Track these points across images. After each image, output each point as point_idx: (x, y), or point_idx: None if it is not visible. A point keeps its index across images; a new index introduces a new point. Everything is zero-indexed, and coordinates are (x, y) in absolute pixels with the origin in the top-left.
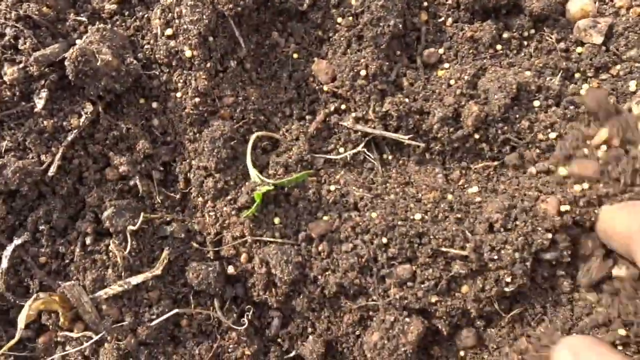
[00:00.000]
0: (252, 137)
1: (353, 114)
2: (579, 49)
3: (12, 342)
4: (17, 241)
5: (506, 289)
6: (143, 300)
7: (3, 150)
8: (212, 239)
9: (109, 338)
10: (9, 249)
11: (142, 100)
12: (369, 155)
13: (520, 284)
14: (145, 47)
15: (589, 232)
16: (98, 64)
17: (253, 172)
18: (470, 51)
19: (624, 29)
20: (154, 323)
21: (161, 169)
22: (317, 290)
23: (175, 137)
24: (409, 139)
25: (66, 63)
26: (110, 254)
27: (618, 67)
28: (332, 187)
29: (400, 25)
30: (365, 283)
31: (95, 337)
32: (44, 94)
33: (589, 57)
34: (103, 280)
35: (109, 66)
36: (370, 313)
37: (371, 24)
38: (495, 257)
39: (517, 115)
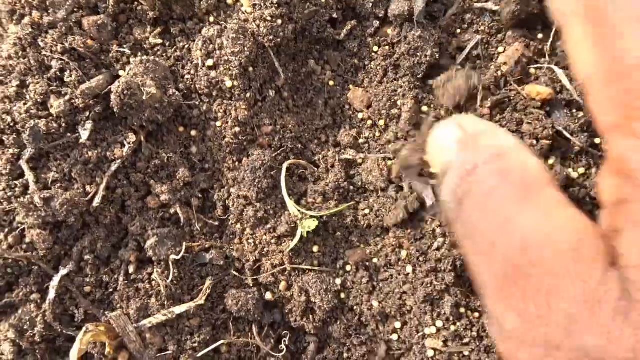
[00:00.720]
0: (284, 167)
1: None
2: None
3: None
4: (63, 271)
5: None
6: (185, 328)
7: (50, 182)
8: (251, 266)
9: None
10: (56, 279)
11: (181, 129)
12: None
13: None
14: (186, 77)
15: None
16: (143, 97)
17: (290, 205)
18: None
19: None
20: (199, 355)
21: (200, 196)
22: (355, 318)
23: (214, 165)
24: None
25: (112, 97)
26: (154, 282)
27: None
28: (367, 211)
29: (437, 55)
30: (405, 309)
31: None
32: (88, 125)
33: None
34: (147, 309)
35: (153, 99)
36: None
37: (408, 54)
38: None
39: None
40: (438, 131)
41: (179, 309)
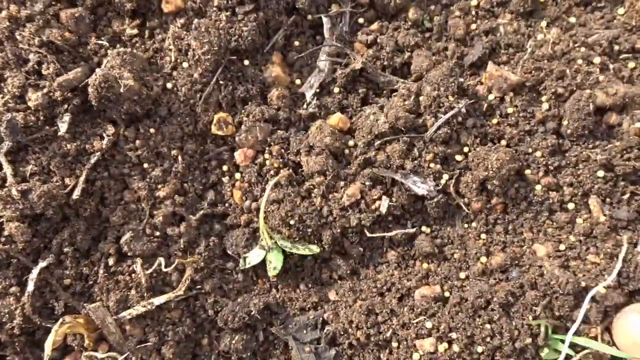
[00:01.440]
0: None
1: None
2: None
3: None
4: (42, 264)
5: None
6: (165, 319)
7: (28, 175)
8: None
9: (133, 358)
10: (35, 272)
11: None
12: None
13: None
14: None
15: None
16: (120, 89)
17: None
18: None
19: None
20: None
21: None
22: None
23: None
24: None
25: (89, 89)
26: (133, 275)
27: None
28: None
29: None
30: None
31: (120, 358)
32: (67, 118)
33: None
34: (126, 300)
35: (130, 91)
36: None
37: None
38: None
39: None
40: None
41: (158, 300)
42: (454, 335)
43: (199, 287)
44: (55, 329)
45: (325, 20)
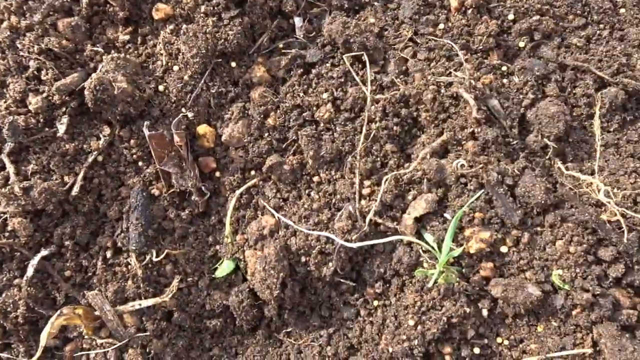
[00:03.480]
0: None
1: None
2: None
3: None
4: (43, 252)
5: None
6: (160, 308)
7: (30, 173)
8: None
9: (133, 345)
10: (36, 258)
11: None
12: None
13: None
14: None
15: None
16: (115, 92)
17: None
18: None
19: None
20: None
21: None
22: None
23: None
24: None
25: (85, 92)
26: (129, 266)
27: None
28: None
29: None
30: None
31: (119, 343)
32: (65, 120)
33: None
34: (123, 291)
35: (124, 93)
36: None
37: None
38: None
39: None
40: None
41: (146, 303)
42: None
43: (189, 279)
44: (52, 321)
45: (297, 19)
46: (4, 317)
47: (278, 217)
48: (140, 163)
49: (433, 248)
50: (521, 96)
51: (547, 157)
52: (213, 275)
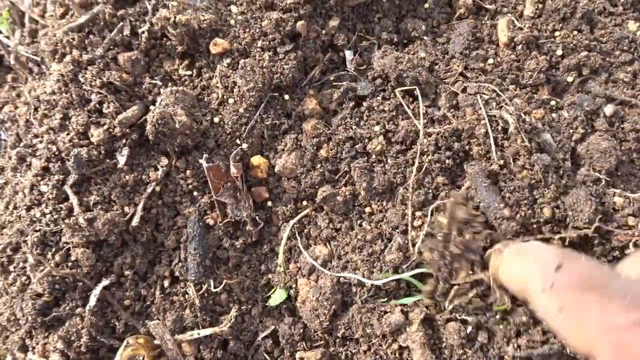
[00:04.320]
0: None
1: None
2: None
3: None
4: (104, 282)
5: None
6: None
7: (92, 204)
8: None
9: None
10: (98, 288)
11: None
12: None
13: None
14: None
15: None
16: (176, 125)
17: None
18: None
19: None
20: None
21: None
22: None
23: None
24: None
25: (148, 126)
26: (187, 295)
27: None
28: None
29: None
30: None
31: None
32: (125, 151)
33: None
34: (182, 320)
35: (184, 126)
36: None
37: None
38: None
39: None
40: None
41: (204, 332)
42: None
43: (243, 307)
44: (120, 352)
45: (347, 52)
46: (67, 346)
47: (331, 248)
48: (195, 193)
49: None
50: (571, 130)
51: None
52: (266, 304)
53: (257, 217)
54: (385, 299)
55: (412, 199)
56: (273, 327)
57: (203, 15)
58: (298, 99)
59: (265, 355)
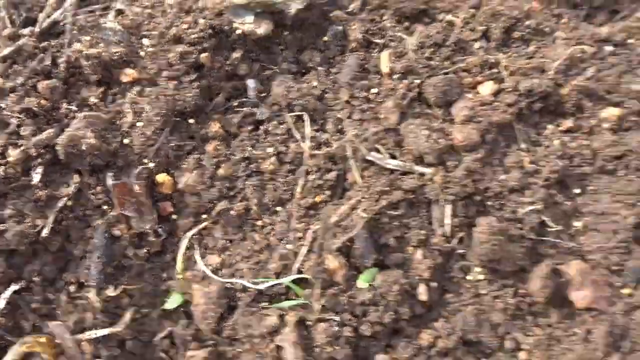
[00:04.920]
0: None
1: None
2: None
3: None
4: (14, 287)
5: None
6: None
7: (7, 217)
8: None
9: None
10: (7, 292)
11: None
12: None
13: None
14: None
15: None
16: (83, 147)
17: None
18: None
19: None
20: None
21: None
22: None
23: None
24: None
25: (57, 147)
26: (89, 299)
27: None
28: None
29: None
30: None
31: None
32: (39, 169)
33: None
34: (83, 321)
35: (92, 147)
36: None
37: None
38: None
39: None
40: None
41: (101, 332)
42: None
43: (144, 311)
44: (16, 348)
45: (249, 81)
46: None
47: (223, 257)
48: (105, 207)
49: None
50: None
51: None
52: (163, 307)
53: (159, 229)
54: (267, 303)
55: (295, 214)
56: (170, 328)
57: (115, 48)
58: (203, 122)
59: (161, 354)
